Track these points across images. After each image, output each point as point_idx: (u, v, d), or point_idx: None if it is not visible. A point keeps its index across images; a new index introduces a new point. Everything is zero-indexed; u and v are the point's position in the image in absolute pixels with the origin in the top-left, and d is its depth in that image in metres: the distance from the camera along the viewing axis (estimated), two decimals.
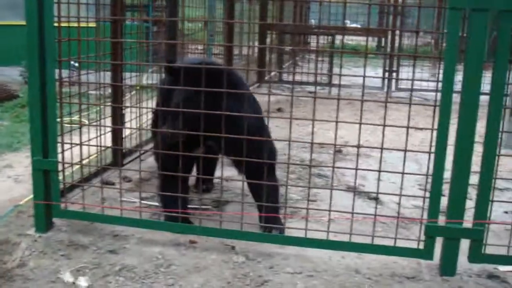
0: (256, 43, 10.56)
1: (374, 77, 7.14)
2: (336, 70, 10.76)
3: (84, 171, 4.23)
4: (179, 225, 3.52)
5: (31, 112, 3.48)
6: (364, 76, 3.14)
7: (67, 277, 3.08)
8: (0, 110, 9.38)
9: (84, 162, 4.00)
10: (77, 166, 4.01)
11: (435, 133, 3.04)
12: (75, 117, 4.32)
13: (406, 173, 3.20)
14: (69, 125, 3.94)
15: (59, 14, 3.48)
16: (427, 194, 3.18)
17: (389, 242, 3.29)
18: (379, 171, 3.24)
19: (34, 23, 3.34)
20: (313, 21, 16.77)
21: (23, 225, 3.80)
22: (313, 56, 12.39)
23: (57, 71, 3.47)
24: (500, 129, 3.00)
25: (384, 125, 3.12)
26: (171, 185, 3.58)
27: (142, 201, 3.99)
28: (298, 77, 10.58)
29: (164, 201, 3.76)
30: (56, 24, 3.44)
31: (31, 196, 3.87)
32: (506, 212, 4.11)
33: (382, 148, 3.16)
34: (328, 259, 3.40)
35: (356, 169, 3.27)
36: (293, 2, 13.27)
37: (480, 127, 3.02)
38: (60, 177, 3.64)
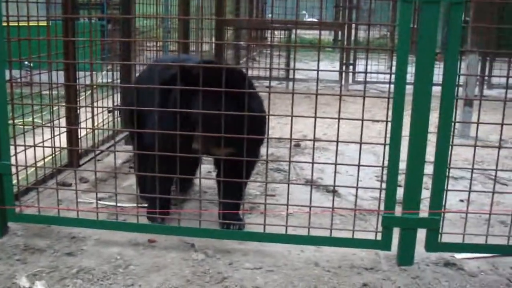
0: (213, 39, 10.51)
1: (329, 70, 7.16)
2: (293, 64, 10.80)
3: (39, 173, 4.17)
4: (137, 225, 3.48)
5: None
6: (318, 70, 3.15)
7: (23, 282, 3.02)
8: None
9: (38, 164, 3.93)
10: (32, 169, 3.95)
11: (390, 124, 3.07)
12: (28, 119, 4.25)
13: (362, 165, 3.22)
14: (21, 127, 3.86)
15: (8, 13, 3.41)
16: (384, 186, 3.21)
17: (347, 234, 3.32)
18: (335, 164, 3.27)
19: None
20: (269, 16, 16.80)
21: None
22: (270, 51, 12.42)
23: (8, 71, 3.39)
24: (453, 119, 3.05)
25: (339, 118, 3.14)
26: (164, 186, 3.65)
27: (99, 202, 3.94)
28: (255, 72, 10.57)
29: (153, 201, 3.75)
30: (5, 24, 3.37)
31: None
32: (461, 201, 4.18)
33: (338, 142, 3.18)
34: (288, 253, 3.41)
35: (313, 162, 3.29)
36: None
37: (435, 118, 3.06)
38: (14, 181, 3.57)
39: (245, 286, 3.02)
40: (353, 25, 10.93)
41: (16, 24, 3.58)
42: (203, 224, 3.41)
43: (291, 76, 10.21)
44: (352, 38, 11.00)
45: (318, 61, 3.24)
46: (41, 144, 3.85)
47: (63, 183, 4.37)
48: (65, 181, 4.50)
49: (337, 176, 3.41)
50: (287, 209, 3.34)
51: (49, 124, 4.24)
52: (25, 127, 3.96)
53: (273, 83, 9.72)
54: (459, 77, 3.09)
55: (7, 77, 3.38)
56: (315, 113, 3.14)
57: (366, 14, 12.75)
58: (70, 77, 4.59)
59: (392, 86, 3.05)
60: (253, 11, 13.76)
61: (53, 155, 4.14)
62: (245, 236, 3.42)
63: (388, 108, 3.07)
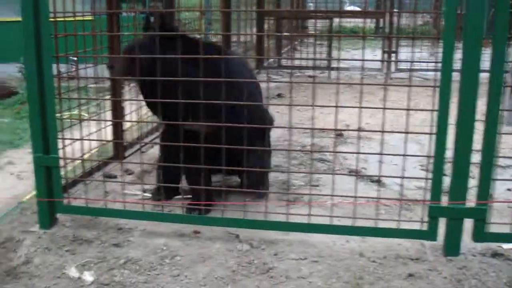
0: (254, 30, 10.51)
1: (372, 60, 7.09)
2: (335, 53, 10.72)
3: (86, 165, 4.24)
4: (183, 216, 3.53)
5: (31, 109, 3.48)
6: (363, 60, 3.13)
7: (73, 272, 3.09)
8: (1, 107, 9.38)
9: (85, 156, 4.01)
10: (79, 161, 4.02)
11: (435, 113, 3.03)
12: (75, 112, 4.32)
13: (408, 155, 3.19)
14: (69, 120, 3.93)
15: (55, 10, 3.46)
16: (429, 175, 3.18)
17: (392, 225, 3.30)
18: (380, 154, 3.24)
19: (30, 19, 3.32)
20: (311, 5, 16.71)
21: (27, 222, 3.81)
22: (312, 40, 12.36)
23: (55, 66, 3.46)
24: (501, 107, 2.99)
25: (384, 108, 3.11)
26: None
27: (145, 193, 4.00)
28: (297, 62, 10.54)
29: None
30: (52, 20, 3.43)
31: (34, 192, 3.88)
32: (509, 190, 4.10)
33: (382, 132, 3.15)
34: (332, 243, 3.40)
35: (358, 153, 3.27)
36: None
37: (482, 105, 3.01)
38: (62, 173, 3.64)
39: (290, 276, 3.03)
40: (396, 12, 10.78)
41: (62, 19, 3.63)
42: (247, 215, 3.43)
43: (332, 65, 10.14)
44: (395, 25, 10.86)
45: (363, 56, 3.20)
46: (87, 137, 3.91)
47: (109, 175, 4.45)
48: (111, 173, 4.57)
49: (381, 166, 3.39)
50: (332, 200, 3.33)
51: (95, 117, 4.31)
52: (72, 120, 4.02)
53: (315, 73, 9.66)
54: (507, 63, 3.03)
55: (54, 72, 3.45)
56: (360, 102, 3.11)
57: (409, 1, 12.59)
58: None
59: (437, 74, 3.00)
60: (293, 1, 13.69)
61: (100, 147, 4.21)
62: (290, 227, 3.42)
63: (434, 97, 3.02)
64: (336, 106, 3.13)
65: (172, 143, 3.55)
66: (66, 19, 3.67)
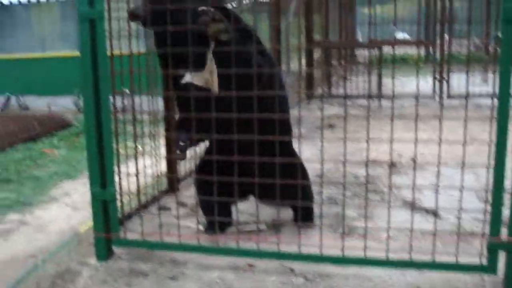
0: (303, 59, 10.56)
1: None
2: (385, 81, 10.67)
3: (141, 198, 4.30)
4: (237, 249, 3.53)
5: (88, 144, 3.56)
6: (417, 96, 3.10)
7: None
8: (56, 139, 9.62)
9: (140, 189, 4.06)
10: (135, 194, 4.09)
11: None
12: (130, 142, 4.39)
13: (465, 189, 3.13)
14: (125, 155, 4.00)
15: (111, 46, 3.56)
16: (487, 207, 3.11)
17: (450, 258, 3.23)
18: (437, 186, 3.19)
19: (88, 56, 3.42)
20: (359, 33, 16.73)
21: (84, 254, 3.87)
22: (361, 69, 12.34)
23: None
24: None
25: (440, 141, 3.07)
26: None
27: (199, 226, 4.03)
28: (347, 91, 10.52)
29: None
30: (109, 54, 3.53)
31: (90, 223, 3.95)
32: None
33: (439, 165, 3.11)
34: (388, 277, 3.35)
35: (413, 186, 3.23)
36: (339, 16, 13.24)
37: None
38: (118, 205, 3.70)
39: None
40: (447, 39, 10.68)
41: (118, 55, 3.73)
42: (302, 248, 3.41)
43: (383, 93, 10.09)
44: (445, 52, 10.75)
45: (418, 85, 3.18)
46: (142, 171, 3.97)
47: (163, 208, 4.49)
48: (165, 205, 4.62)
49: (435, 196, 3.33)
50: (388, 233, 3.28)
51: (149, 152, 4.37)
52: (128, 155, 4.09)
53: (365, 101, 9.62)
54: None
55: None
56: (416, 137, 3.08)
57: (458, 28, 12.46)
58: (170, 105, 4.73)
59: (492, 101, 2.95)
60: (342, 29, 13.72)
61: (154, 180, 4.25)
62: (346, 261, 3.39)
63: (490, 126, 2.97)
64: (391, 140, 3.10)
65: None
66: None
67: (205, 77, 3.46)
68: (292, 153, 3.86)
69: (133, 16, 3.48)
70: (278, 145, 3.34)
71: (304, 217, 3.99)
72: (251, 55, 3.40)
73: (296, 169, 3.70)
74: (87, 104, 3.49)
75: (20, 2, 13.92)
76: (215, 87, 3.45)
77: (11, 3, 13.98)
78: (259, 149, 3.38)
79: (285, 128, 3.74)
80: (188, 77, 3.51)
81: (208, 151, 4.01)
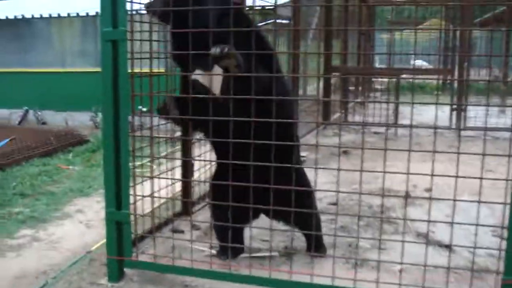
0: (321, 84, 10.57)
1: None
2: (402, 109, 10.66)
3: (155, 220, 4.30)
4: (249, 276, 3.51)
5: (105, 164, 3.57)
6: (435, 127, 3.09)
7: None
8: (72, 155, 9.69)
9: (154, 210, 4.07)
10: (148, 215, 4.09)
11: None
12: (146, 162, 4.40)
13: (481, 225, 3.11)
14: (140, 177, 4.01)
15: (132, 67, 3.59)
16: (502, 243, 3.08)
17: None
18: (452, 222, 3.17)
19: (109, 75, 3.45)
20: (377, 60, 16.76)
21: (95, 274, 3.88)
22: (378, 95, 12.35)
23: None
24: None
25: (457, 176, 3.05)
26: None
27: (211, 250, 4.03)
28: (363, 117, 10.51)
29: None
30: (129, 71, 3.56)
31: (103, 242, 3.96)
32: None
33: (455, 200, 3.09)
34: None
35: (428, 221, 3.21)
36: (357, 42, 13.28)
37: None
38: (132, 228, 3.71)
39: None
40: (465, 67, 10.65)
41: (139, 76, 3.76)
42: (314, 278, 3.39)
43: (400, 122, 10.07)
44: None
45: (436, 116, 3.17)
46: (157, 193, 3.98)
47: (176, 230, 4.49)
48: (178, 228, 4.62)
49: (450, 229, 3.30)
50: (401, 267, 3.26)
51: (165, 174, 4.37)
52: (144, 177, 4.10)
53: (381, 129, 9.60)
54: None
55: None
56: (432, 170, 3.07)
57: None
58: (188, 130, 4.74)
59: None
60: (360, 57, 13.75)
61: (169, 202, 4.26)
62: None
63: (509, 162, 2.95)
64: (408, 174, 3.09)
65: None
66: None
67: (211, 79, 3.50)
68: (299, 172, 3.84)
69: (149, 10, 3.55)
70: (283, 157, 3.40)
71: (316, 247, 3.96)
72: (265, 83, 3.41)
73: (305, 194, 3.73)
74: (107, 125, 3.52)
75: (41, 16, 14.07)
76: (217, 90, 3.47)
77: (32, 16, 14.14)
78: (264, 160, 3.36)
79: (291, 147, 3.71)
80: (198, 75, 3.56)
81: (217, 173, 4.00)
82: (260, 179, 3.36)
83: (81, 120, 12.93)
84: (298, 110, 8.31)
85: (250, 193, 3.39)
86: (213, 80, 3.49)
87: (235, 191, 3.45)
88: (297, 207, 3.42)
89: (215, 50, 3.23)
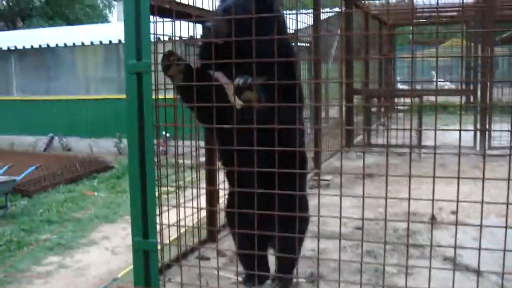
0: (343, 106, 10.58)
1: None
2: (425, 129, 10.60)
3: (181, 247, 4.32)
4: None
5: (131, 194, 3.60)
6: (459, 149, 3.08)
7: None
8: (96, 181, 9.78)
9: (180, 237, 4.09)
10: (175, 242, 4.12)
11: None
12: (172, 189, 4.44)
13: (509, 251, 3.08)
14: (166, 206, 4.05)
15: (157, 97, 3.64)
16: None
17: None
18: (480, 248, 3.15)
19: (134, 106, 3.49)
20: (398, 79, 16.71)
21: None
22: (401, 116, 12.30)
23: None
24: None
25: (483, 202, 3.04)
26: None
27: (237, 277, 4.03)
28: (386, 140, 10.45)
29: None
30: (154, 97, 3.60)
31: (129, 268, 3.98)
32: None
33: (481, 226, 3.07)
34: None
35: (455, 246, 3.19)
36: (378, 64, 13.28)
37: None
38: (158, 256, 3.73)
39: None
40: (488, 86, 10.57)
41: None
42: None
43: (423, 143, 10.01)
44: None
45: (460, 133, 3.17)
46: (183, 221, 4.01)
47: (202, 257, 4.51)
48: (204, 255, 4.63)
49: (477, 252, 3.28)
50: None
51: (189, 200, 4.40)
52: (169, 206, 4.13)
53: (404, 150, 9.55)
54: None
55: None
56: (457, 196, 3.06)
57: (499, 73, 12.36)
58: (213, 157, 4.79)
59: None
60: (382, 78, 13.75)
61: (195, 229, 4.28)
62: None
63: None
64: (433, 200, 3.08)
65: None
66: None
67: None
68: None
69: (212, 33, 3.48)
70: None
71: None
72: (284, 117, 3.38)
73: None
74: (132, 154, 3.55)
75: (65, 44, 14.29)
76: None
77: (57, 45, 14.36)
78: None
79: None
80: (222, 78, 3.55)
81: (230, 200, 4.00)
82: (268, 205, 3.36)
83: (105, 146, 13.05)
84: (322, 133, 8.33)
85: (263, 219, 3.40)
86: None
87: (249, 218, 3.46)
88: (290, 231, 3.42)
89: (238, 81, 3.21)
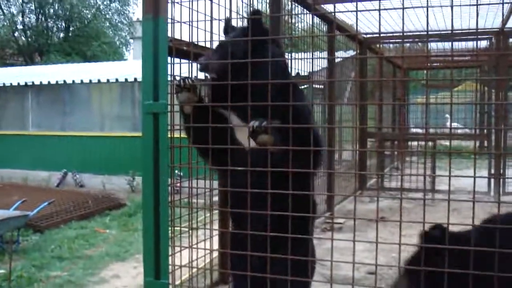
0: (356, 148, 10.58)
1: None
2: (438, 172, 10.55)
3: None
4: None
5: (144, 234, 3.59)
6: (474, 195, 3.06)
7: None
8: (108, 219, 9.78)
9: (192, 278, 4.07)
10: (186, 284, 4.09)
11: None
12: (184, 229, 4.41)
13: None
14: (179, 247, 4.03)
15: (172, 138, 3.66)
16: None
17: None
18: None
19: (150, 146, 3.51)
20: (411, 124, 16.72)
21: None
22: (415, 159, 12.29)
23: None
24: None
25: (495, 250, 3.00)
26: None
27: None
28: (399, 183, 10.43)
29: None
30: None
31: None
32: None
33: (495, 275, 3.03)
34: None
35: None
36: (392, 108, 13.31)
37: None
38: None
39: None
40: (502, 132, 10.55)
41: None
42: None
43: (437, 187, 9.96)
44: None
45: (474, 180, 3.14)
46: (195, 264, 3.99)
47: None
48: None
49: None
50: None
51: (201, 241, 4.39)
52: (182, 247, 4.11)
53: (418, 195, 9.49)
54: None
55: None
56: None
57: None
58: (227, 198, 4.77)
59: None
60: (395, 122, 13.78)
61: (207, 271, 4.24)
62: None
63: None
64: (447, 247, 3.05)
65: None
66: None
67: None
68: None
69: (203, 68, 3.50)
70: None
71: None
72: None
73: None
74: (147, 194, 3.55)
75: (81, 81, 14.45)
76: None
77: (73, 81, 14.52)
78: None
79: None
80: (235, 121, 3.52)
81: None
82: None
83: (118, 184, 13.08)
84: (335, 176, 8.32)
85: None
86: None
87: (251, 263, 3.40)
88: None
89: (253, 123, 3.17)
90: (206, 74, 3.61)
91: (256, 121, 3.16)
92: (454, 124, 18.26)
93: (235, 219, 3.76)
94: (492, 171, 10.40)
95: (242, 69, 3.30)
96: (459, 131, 15.82)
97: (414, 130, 15.87)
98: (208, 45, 3.81)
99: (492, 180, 10.06)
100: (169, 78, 3.59)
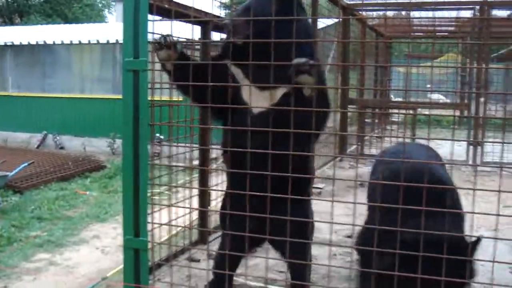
0: (338, 116, 10.60)
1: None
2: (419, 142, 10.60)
3: (172, 248, 4.33)
4: None
5: (125, 192, 3.60)
6: (452, 164, 3.09)
7: None
8: (89, 180, 9.76)
9: (171, 238, 4.10)
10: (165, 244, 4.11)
11: None
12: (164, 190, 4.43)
13: (498, 262, 3.09)
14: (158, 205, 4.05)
15: (153, 96, 3.65)
16: None
17: None
18: (467, 259, 3.16)
19: (130, 104, 3.49)
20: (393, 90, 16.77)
21: None
22: (395, 128, 12.35)
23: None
24: None
25: (473, 213, 3.06)
26: None
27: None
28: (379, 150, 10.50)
29: None
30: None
31: (118, 268, 3.96)
32: None
33: (471, 236, 3.09)
34: None
35: (444, 256, 3.20)
36: (374, 76, 13.31)
37: None
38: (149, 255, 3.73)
39: None
40: (482, 101, 10.62)
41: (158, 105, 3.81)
42: None
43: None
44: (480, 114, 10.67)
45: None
46: (174, 221, 4.01)
47: (192, 259, 4.51)
48: (194, 257, 4.64)
49: None
50: None
51: (183, 202, 4.41)
52: (161, 205, 4.13)
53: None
54: None
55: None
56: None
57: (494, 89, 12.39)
58: (206, 156, 4.80)
59: None
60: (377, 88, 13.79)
61: (186, 231, 4.27)
62: None
63: None
64: (423, 208, 3.09)
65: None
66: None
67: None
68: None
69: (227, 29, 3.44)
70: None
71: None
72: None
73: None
74: (126, 153, 3.55)
75: (62, 42, 14.25)
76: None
77: (53, 42, 14.32)
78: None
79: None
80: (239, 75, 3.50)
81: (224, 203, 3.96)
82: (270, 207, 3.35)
83: (99, 146, 13.02)
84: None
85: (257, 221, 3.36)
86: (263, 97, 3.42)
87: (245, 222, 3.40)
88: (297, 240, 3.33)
89: (298, 61, 3.06)
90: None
91: (302, 59, 3.07)
92: (437, 96, 18.38)
93: (234, 178, 3.71)
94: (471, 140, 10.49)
95: (269, 33, 3.17)
96: (440, 101, 15.93)
97: (395, 99, 15.94)
98: (189, 3, 3.78)
99: (471, 148, 10.16)
100: (150, 37, 3.56)
